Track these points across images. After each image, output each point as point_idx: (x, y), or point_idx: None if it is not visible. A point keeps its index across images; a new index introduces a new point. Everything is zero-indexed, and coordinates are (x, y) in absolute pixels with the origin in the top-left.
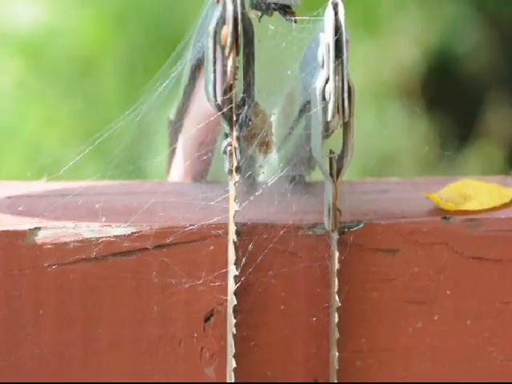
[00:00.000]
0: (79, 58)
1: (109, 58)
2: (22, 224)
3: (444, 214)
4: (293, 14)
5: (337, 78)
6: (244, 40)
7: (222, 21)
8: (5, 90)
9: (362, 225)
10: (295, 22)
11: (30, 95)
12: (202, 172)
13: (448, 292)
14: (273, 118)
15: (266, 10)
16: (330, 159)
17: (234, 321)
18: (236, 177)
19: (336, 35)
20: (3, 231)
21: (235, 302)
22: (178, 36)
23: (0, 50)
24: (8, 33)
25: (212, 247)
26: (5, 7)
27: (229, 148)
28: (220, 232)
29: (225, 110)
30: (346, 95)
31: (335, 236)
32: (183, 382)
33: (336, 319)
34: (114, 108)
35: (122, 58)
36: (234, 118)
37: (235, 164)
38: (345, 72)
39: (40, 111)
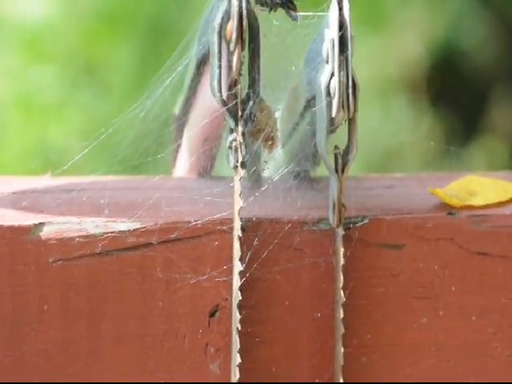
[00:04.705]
0: (86, 52)
1: (117, 53)
2: (27, 219)
3: (449, 209)
4: (295, 9)
5: (341, 73)
6: (249, 35)
7: (227, 16)
8: (11, 84)
9: (366, 220)
10: (296, 18)
11: (36, 90)
12: (206, 167)
13: (453, 288)
14: (278, 114)
15: (271, 5)
16: (335, 155)
17: (239, 316)
18: (241, 172)
19: (341, 31)
20: (8, 227)
21: (240, 298)
22: (187, 30)
23: (6, 44)
24: (15, 27)
25: (217, 243)
26: (12, 1)
27: (234, 143)
28: (225, 227)
29: (230, 105)
30: (350, 91)
31: (340, 231)
32: (188, 377)
33: (341, 315)
34: (122, 103)
35: (130, 52)
36: (239, 114)
37: (240, 159)
38: (349, 68)
39: (46, 106)
